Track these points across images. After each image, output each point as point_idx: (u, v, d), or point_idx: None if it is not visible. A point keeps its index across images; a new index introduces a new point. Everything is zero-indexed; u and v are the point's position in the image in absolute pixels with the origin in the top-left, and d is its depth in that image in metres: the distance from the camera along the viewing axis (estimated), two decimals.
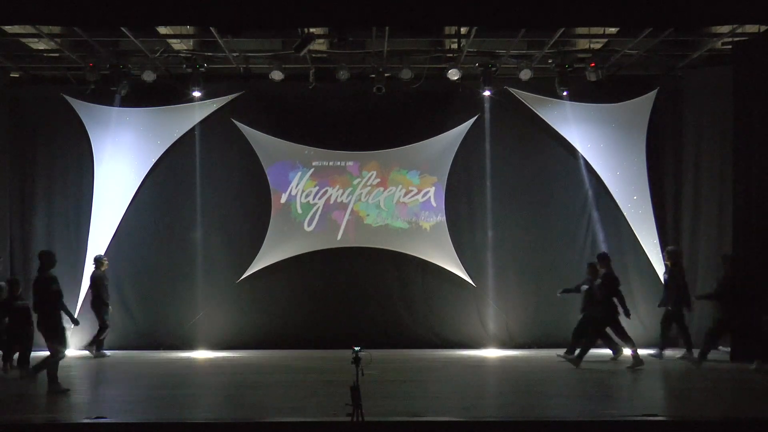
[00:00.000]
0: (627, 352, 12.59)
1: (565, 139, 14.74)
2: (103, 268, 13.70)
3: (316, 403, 9.68)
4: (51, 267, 10.65)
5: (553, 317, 13.97)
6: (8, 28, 12.52)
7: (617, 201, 14.67)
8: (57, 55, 13.67)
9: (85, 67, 13.67)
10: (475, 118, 14.74)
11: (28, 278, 14.43)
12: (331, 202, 14.82)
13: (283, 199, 14.83)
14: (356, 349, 7.72)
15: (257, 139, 14.81)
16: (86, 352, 13.54)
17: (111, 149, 14.70)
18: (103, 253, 13.97)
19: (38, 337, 13.74)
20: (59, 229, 14.65)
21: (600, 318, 12.46)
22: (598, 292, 12.47)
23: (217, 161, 14.82)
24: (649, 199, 14.62)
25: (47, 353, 10.47)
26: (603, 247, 14.28)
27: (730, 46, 13.15)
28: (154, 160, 14.74)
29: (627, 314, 12.49)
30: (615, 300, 12.48)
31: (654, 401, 10.27)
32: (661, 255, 14.37)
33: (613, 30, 12.80)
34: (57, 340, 10.43)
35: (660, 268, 14.28)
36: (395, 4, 9.59)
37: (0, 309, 12.01)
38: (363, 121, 14.77)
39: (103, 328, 13.62)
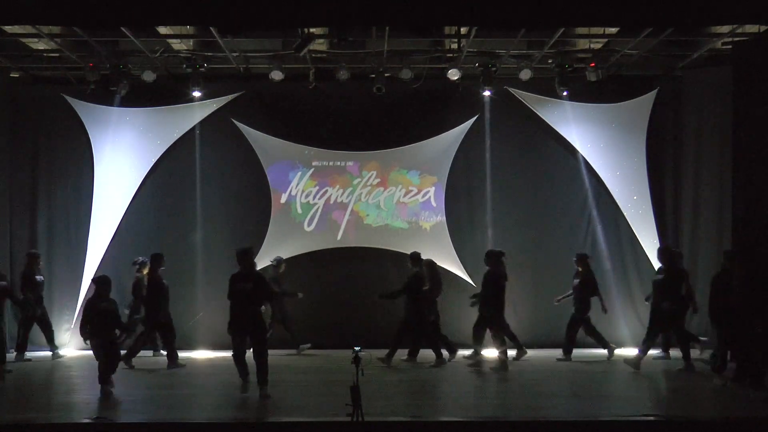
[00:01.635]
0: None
1: (565, 139, 14.75)
2: (281, 270, 13.65)
3: (316, 403, 9.68)
4: (251, 266, 10.26)
5: (554, 317, 13.94)
6: (8, 28, 12.51)
7: (617, 201, 14.68)
8: (57, 55, 13.67)
9: (85, 67, 13.66)
10: (475, 118, 14.74)
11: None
12: (331, 202, 14.83)
13: (283, 199, 14.84)
14: (356, 349, 7.72)
15: (257, 139, 14.82)
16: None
17: (111, 149, 14.71)
18: (282, 256, 13.84)
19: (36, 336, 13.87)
20: (59, 228, 14.67)
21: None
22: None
23: (217, 161, 14.83)
24: (649, 199, 14.63)
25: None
26: (603, 248, 14.33)
27: (730, 46, 13.14)
28: (154, 160, 14.76)
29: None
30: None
31: (654, 401, 10.28)
32: None
33: (613, 30, 12.79)
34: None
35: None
36: (395, 4, 9.60)
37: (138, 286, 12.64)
38: (363, 121, 14.78)
39: (285, 322, 13.66)
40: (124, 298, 13.38)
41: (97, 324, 10.35)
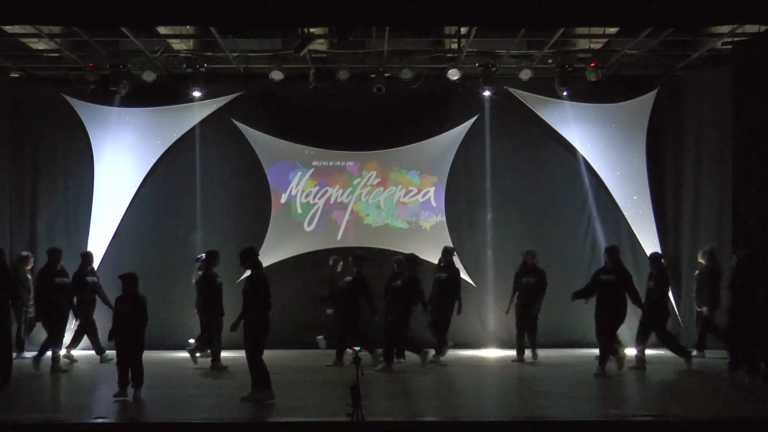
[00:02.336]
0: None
1: (565, 139, 14.76)
2: (338, 269, 13.46)
3: (316, 403, 9.69)
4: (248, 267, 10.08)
5: (553, 317, 13.92)
6: (8, 28, 12.51)
7: (617, 201, 14.69)
8: (57, 55, 13.66)
9: (85, 67, 13.67)
10: (475, 118, 14.75)
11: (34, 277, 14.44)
12: (331, 202, 14.84)
13: (283, 199, 14.84)
14: (356, 349, 7.73)
15: (257, 139, 14.82)
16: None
17: (111, 149, 14.72)
18: (336, 257, 13.58)
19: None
20: (59, 228, 14.66)
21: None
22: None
23: (217, 161, 14.84)
24: (649, 199, 14.64)
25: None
26: (603, 247, 14.32)
27: (730, 46, 13.14)
28: (154, 160, 14.76)
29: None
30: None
31: (653, 401, 10.28)
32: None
33: (613, 30, 12.80)
34: None
35: None
36: (395, 4, 9.61)
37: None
38: (363, 121, 14.78)
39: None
40: None
41: (116, 327, 9.94)
